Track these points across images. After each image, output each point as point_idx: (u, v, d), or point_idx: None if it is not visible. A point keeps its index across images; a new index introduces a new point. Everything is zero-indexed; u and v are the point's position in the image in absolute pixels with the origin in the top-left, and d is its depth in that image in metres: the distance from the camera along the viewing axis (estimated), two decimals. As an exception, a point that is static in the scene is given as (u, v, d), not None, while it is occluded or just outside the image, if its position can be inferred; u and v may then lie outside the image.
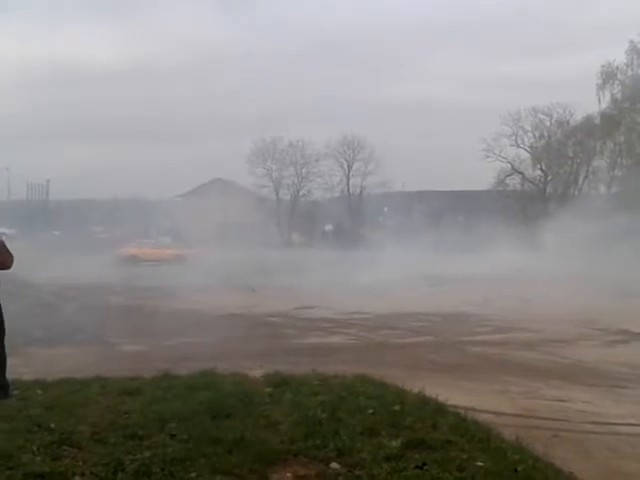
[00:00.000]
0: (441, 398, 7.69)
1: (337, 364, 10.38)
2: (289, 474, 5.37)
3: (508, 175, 64.79)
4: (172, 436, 6.10)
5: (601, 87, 57.77)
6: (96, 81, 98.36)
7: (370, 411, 6.98)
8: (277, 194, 74.98)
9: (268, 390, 8.08)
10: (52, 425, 6.40)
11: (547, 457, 6.11)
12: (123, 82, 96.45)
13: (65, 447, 5.82)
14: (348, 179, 74.67)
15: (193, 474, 5.21)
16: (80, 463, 5.43)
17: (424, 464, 5.43)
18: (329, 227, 69.54)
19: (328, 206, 71.01)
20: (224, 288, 24.06)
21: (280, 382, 8.43)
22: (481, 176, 68.31)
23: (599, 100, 58.28)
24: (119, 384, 8.34)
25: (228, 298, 21.13)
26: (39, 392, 7.95)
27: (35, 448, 5.74)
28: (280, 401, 7.52)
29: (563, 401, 9.28)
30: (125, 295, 24.22)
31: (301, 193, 74.83)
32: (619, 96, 58.17)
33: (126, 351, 13.56)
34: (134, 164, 73.11)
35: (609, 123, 57.90)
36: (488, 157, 64.09)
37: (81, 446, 5.87)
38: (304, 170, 73.92)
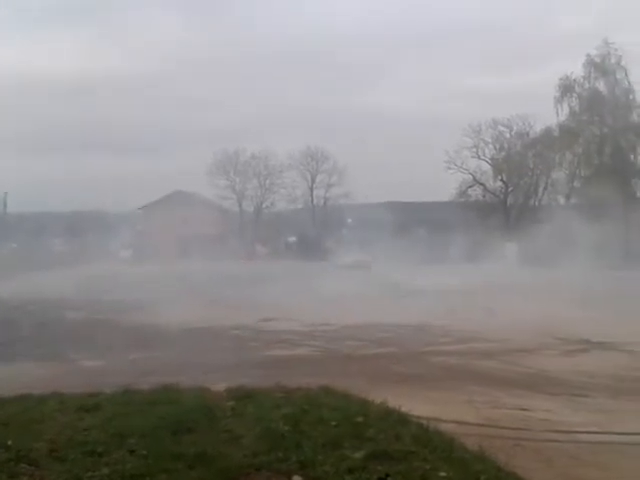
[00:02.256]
0: (404, 409, 7.71)
1: (301, 376, 10.33)
2: (252, 488, 5.33)
3: (470, 186, 65.73)
4: (132, 452, 6.02)
5: (559, 100, 59.04)
6: (57, 92, 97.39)
7: (333, 423, 6.96)
8: (240, 206, 74.94)
9: (230, 404, 8.02)
10: (9, 442, 6.26)
11: (509, 466, 6.16)
12: (84, 93, 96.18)
13: (22, 465, 5.71)
14: (312, 190, 75.03)
15: (153, 490, 5.15)
16: (37, 481, 5.33)
17: (387, 475, 5.44)
18: (293, 238, 69.60)
19: (292, 217, 71.17)
20: (187, 301, 23.84)
21: (243, 395, 8.38)
22: (443, 187, 69.25)
23: (557, 113, 59.55)
24: (78, 400, 8.20)
25: (191, 311, 20.94)
26: (-5, 409, 7.79)
27: (-9, 466, 5.61)
28: (243, 415, 7.47)
29: (525, 410, 9.37)
30: (86, 309, 23.83)
31: (264, 205, 74.94)
32: (577, 109, 59.44)
33: (86, 367, 13.37)
34: (94, 176, 72.21)
35: (568, 135, 59.06)
36: (450, 169, 65.05)
37: (39, 464, 5.77)
38: (267, 182, 74.07)
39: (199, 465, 5.68)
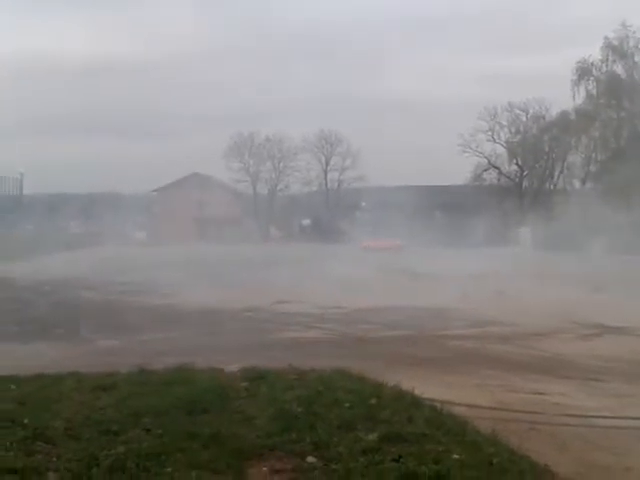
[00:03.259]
0: (418, 391, 7.70)
1: (314, 358, 10.36)
2: (265, 468, 5.35)
3: (485, 170, 65.29)
4: (147, 431, 6.06)
5: (576, 83, 58.33)
6: (74, 74, 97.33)
7: (347, 405, 6.97)
8: (254, 188, 74.84)
9: (244, 385, 8.05)
10: (25, 420, 6.32)
11: (522, 450, 6.14)
12: (100, 76, 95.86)
13: (39, 442, 5.76)
14: (326, 173, 74.83)
15: (169, 469, 5.18)
16: (54, 459, 5.38)
17: (400, 457, 5.44)
18: (307, 221, 69.59)
19: (306, 200, 71.04)
20: (201, 283, 23.93)
21: (256, 377, 8.40)
22: (458, 171, 68.89)
23: (574, 96, 58.86)
24: (94, 379, 8.26)
25: (206, 293, 21.02)
26: (13, 387, 7.85)
27: (8, 443, 5.67)
28: (256, 396, 7.49)
29: (539, 394, 9.35)
30: (101, 290, 24.02)
31: (279, 187, 74.80)
32: (594, 92, 58.74)
33: (101, 346, 13.46)
34: (111, 158, 72.54)
35: (584, 119, 58.45)
36: (465, 152, 64.61)
37: (55, 442, 5.81)
38: (281, 164, 73.92)
39: (213, 445, 5.71)
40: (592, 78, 58.44)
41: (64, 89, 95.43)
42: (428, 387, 8.22)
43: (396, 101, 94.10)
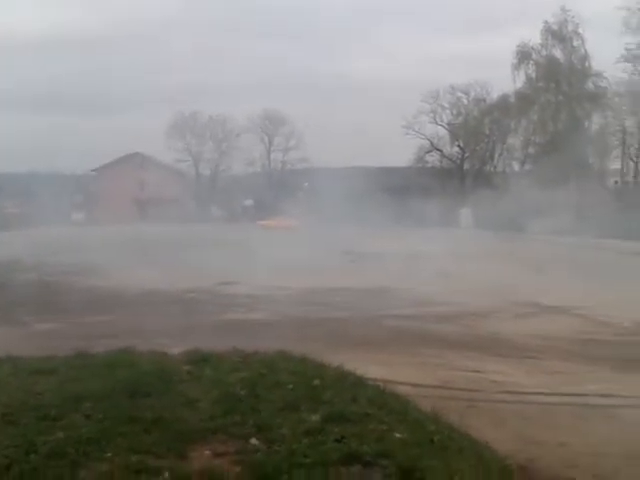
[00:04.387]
0: (360, 372, 7.79)
1: (258, 340, 10.37)
2: (208, 452, 5.33)
3: (427, 152, 66.05)
4: (87, 416, 5.97)
5: (516, 67, 59.47)
6: (12, 49, 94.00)
7: (290, 386, 7.00)
8: (197, 169, 74.16)
9: (187, 368, 7.99)
10: (-41, 407, 6.16)
11: (463, 427, 6.29)
12: (40, 51, 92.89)
13: (-27, 430, 5.62)
14: (269, 154, 74.57)
15: (109, 454, 5.12)
16: (-10, 445, 5.24)
17: (343, 437, 5.50)
18: (249, 201, 69.14)
19: (248, 181, 70.62)
20: (138, 264, 23.61)
21: (199, 359, 8.35)
22: (402, 153, 69.46)
23: (514, 79, 59.97)
24: (31, 364, 8.09)
25: (146, 274, 20.75)
26: (-54, 374, 7.64)
27: (-59, 431, 5.52)
28: (199, 378, 7.45)
29: (478, 372, 9.57)
30: (38, 272, 23.45)
31: (221, 168, 74.21)
32: (534, 75, 59.92)
33: (38, 330, 13.19)
34: (50, 137, 70.26)
35: (523, 102, 59.63)
36: (408, 134, 65.19)
37: (-9, 428, 5.67)
38: (224, 145, 73.29)
39: (156, 429, 5.66)
40: (532, 62, 59.65)
41: (2, 64, 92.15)
42: (370, 367, 8.32)
43: (341, 82, 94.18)
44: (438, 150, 66.16)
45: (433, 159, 66.57)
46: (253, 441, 5.49)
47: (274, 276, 20.13)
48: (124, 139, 76.28)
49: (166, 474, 4.75)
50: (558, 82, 58.65)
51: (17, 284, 20.44)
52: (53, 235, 39.83)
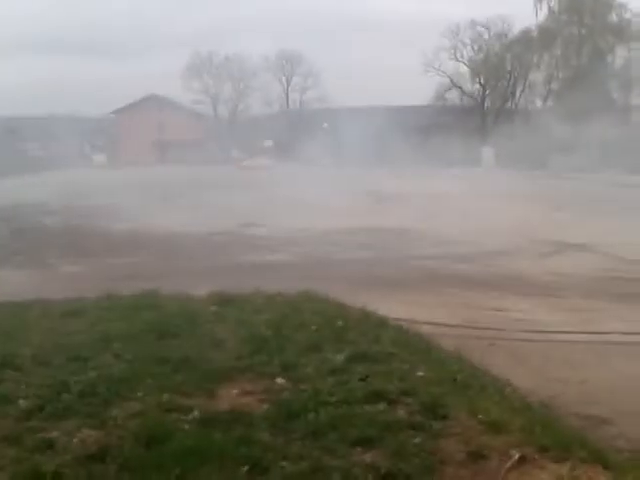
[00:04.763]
0: (383, 312, 7.84)
1: (281, 281, 10.42)
2: (235, 390, 5.43)
3: (447, 90, 64.88)
4: (117, 356, 6.08)
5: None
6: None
7: (314, 327, 7.07)
8: (215, 110, 73.66)
9: (213, 309, 8.09)
10: (-8, 349, 6.29)
11: (484, 365, 6.34)
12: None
13: (7, 370, 5.74)
14: (287, 94, 73.82)
15: (139, 393, 5.22)
16: (23, 386, 5.36)
17: (367, 376, 5.56)
18: (269, 143, 68.82)
19: (267, 122, 70.09)
20: (164, 207, 23.73)
21: (225, 301, 8.43)
22: (422, 91, 68.32)
23: (536, 13, 58.37)
24: (61, 306, 8.23)
25: (169, 216, 20.87)
26: (-23, 316, 7.80)
27: (-25, 372, 5.64)
28: (225, 319, 7.54)
29: (500, 310, 9.61)
30: (62, 215, 23.68)
31: (239, 108, 73.66)
32: (556, 8, 58.28)
33: (66, 272, 13.38)
34: (69, 80, 70.13)
35: (546, 36, 58.15)
36: (428, 71, 64.04)
37: (23, 369, 5.80)
38: (242, 85, 72.60)
39: (184, 369, 5.77)
40: (554, -6, 57.91)
41: (22, 7, 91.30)
42: (393, 307, 8.38)
43: (360, 19, 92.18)
44: (458, 87, 65.00)
45: (453, 97, 65.49)
46: (279, 380, 5.58)
47: (297, 217, 20.17)
48: (141, 82, 75.70)
49: (196, 412, 4.84)
50: (581, 15, 57.03)
51: (42, 227, 20.69)
52: (76, 178, 40.05)
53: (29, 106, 62.01)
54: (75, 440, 4.40)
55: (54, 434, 4.48)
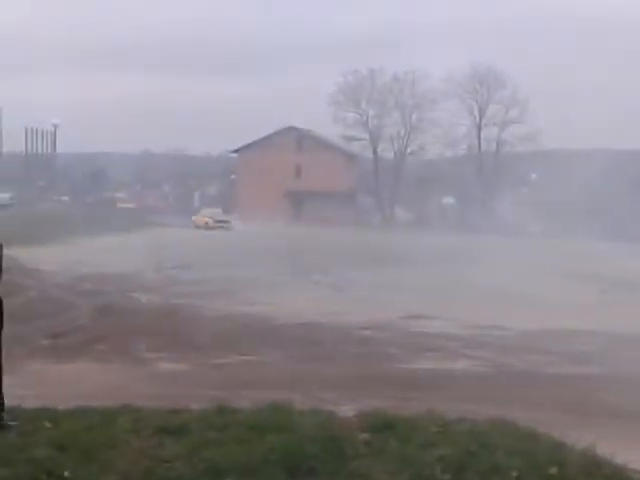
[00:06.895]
0: (620, 459, 7.56)
1: (463, 401, 10.37)
2: None
3: None
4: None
5: None
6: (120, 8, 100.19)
7: (514, 474, 6.92)
8: (375, 150, 74.65)
9: (364, 436, 8.10)
10: (66, 473, 6.54)
11: None
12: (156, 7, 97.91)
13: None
14: (479, 130, 73.93)
15: None
16: (105, 528, 5.58)
17: None
18: (449, 199, 69.15)
19: (448, 169, 70.40)
20: (295, 283, 24.21)
21: (382, 425, 8.42)
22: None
23: None
24: (156, 418, 8.49)
25: (302, 298, 21.27)
26: (47, 425, 8.14)
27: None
28: (382, 453, 7.52)
29: None
30: (162, 291, 24.54)
31: (409, 149, 74.47)
32: None
33: (163, 371, 13.85)
34: (169, 105, 74.08)
35: None
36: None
37: (106, 505, 6.03)
38: (414, 116, 73.46)
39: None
40: None
41: (110, 18, 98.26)
42: (636, 453, 8.06)
43: (585, 27, 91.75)
44: None
45: None
46: None
47: (485, 309, 20.00)
48: (274, 109, 78.59)
49: None
50: None
51: (134, 307, 21.55)
52: (181, 237, 41.75)
53: (119, 139, 65.74)
54: None
55: None
